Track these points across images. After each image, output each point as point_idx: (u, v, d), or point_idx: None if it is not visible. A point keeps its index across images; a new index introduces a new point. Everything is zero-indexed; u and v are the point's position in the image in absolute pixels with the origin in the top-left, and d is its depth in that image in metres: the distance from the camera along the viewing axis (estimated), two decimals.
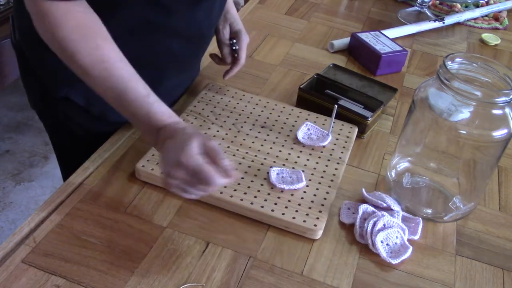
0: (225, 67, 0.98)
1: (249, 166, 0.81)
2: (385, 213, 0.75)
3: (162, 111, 0.69)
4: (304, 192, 0.78)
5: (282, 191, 0.77)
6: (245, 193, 0.76)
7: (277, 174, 0.80)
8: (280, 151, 0.85)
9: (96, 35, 0.67)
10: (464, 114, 0.71)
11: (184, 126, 0.68)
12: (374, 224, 0.73)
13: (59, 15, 0.64)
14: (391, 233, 0.74)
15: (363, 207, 0.76)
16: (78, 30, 0.66)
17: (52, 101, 0.85)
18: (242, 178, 0.79)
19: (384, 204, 0.77)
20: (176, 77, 0.92)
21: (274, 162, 0.83)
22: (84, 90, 0.82)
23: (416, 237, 0.75)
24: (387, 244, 0.73)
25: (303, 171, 0.81)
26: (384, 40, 1.19)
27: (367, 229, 0.73)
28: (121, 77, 0.68)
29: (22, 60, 0.87)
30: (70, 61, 0.67)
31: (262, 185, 0.78)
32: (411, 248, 0.73)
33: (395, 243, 0.73)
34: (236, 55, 0.96)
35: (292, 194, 0.77)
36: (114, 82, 0.67)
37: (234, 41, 0.95)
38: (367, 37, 1.19)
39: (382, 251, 0.72)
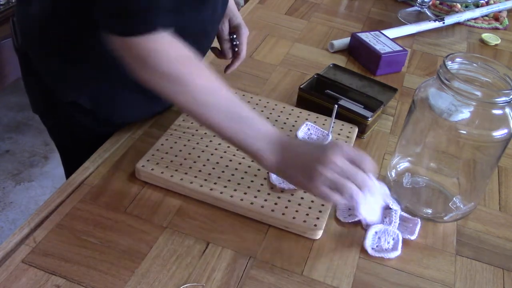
0: (226, 62, 0.98)
1: (249, 166, 0.81)
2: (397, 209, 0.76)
3: (271, 124, 0.69)
4: (304, 192, 0.78)
5: (282, 191, 0.77)
6: (245, 193, 0.76)
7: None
8: None
9: (196, 62, 0.67)
10: (464, 114, 0.71)
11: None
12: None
13: (163, 49, 0.64)
14: (389, 231, 0.74)
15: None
16: (183, 61, 0.66)
17: (57, 104, 0.85)
18: (242, 178, 0.79)
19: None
20: None
21: None
22: (91, 93, 0.82)
23: (413, 237, 0.75)
24: (378, 238, 0.73)
25: None
26: (384, 40, 1.19)
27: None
28: (232, 98, 0.67)
29: (25, 64, 0.87)
30: (178, 92, 0.66)
31: (262, 185, 0.78)
32: (399, 252, 0.72)
33: (388, 241, 0.73)
34: (236, 49, 0.95)
35: (292, 194, 0.77)
36: (226, 107, 0.66)
37: (234, 36, 0.95)
38: (367, 37, 1.19)
39: (369, 239, 0.73)
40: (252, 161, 0.82)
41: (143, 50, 0.63)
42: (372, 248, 0.73)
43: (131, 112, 0.87)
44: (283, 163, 0.67)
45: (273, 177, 0.78)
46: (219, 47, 0.98)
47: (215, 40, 0.96)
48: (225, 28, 0.95)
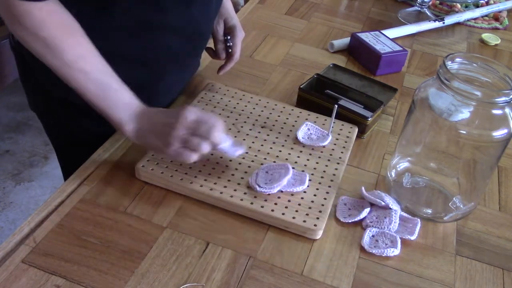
0: (220, 62, 0.98)
1: (249, 166, 0.81)
2: (397, 209, 0.76)
3: (136, 97, 0.74)
4: (304, 192, 0.78)
5: (282, 191, 0.77)
6: (245, 193, 0.76)
7: None
8: (280, 151, 0.85)
9: (76, 32, 0.69)
10: (464, 114, 0.71)
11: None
12: (379, 217, 0.74)
13: (42, 15, 0.66)
14: (386, 234, 0.74)
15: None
16: (61, 28, 0.68)
17: (51, 102, 0.85)
18: (242, 178, 0.79)
19: (383, 203, 0.77)
20: (176, 74, 0.92)
21: (274, 162, 0.83)
22: None
23: (413, 237, 0.75)
24: (376, 240, 0.74)
25: (312, 174, 0.81)
26: (384, 40, 1.19)
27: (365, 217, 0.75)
28: (101, 70, 0.71)
29: (22, 63, 0.87)
30: (53, 58, 0.69)
31: None
32: (398, 251, 0.73)
33: (385, 243, 0.73)
34: (230, 50, 0.95)
35: (292, 194, 0.77)
36: (96, 75, 0.70)
37: (229, 37, 0.95)
38: (367, 37, 1.19)
39: (366, 241, 0.73)
40: (252, 161, 0.82)
41: (19, 10, 0.65)
42: (370, 248, 0.73)
43: None
44: (141, 131, 0.72)
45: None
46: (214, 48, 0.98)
47: (211, 40, 0.97)
48: (220, 28, 0.94)
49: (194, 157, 0.70)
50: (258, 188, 0.75)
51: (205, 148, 0.70)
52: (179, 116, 0.69)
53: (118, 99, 0.72)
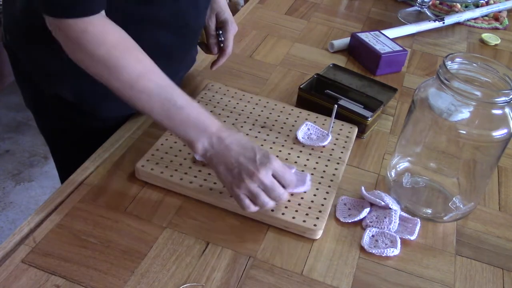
0: (214, 57, 0.98)
1: None
2: (397, 210, 0.77)
3: (208, 112, 0.70)
4: (304, 192, 0.78)
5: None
6: None
7: None
8: (280, 151, 0.85)
9: (133, 47, 0.68)
10: (464, 114, 0.71)
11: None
12: (379, 217, 0.74)
13: (98, 32, 0.64)
14: (386, 234, 0.74)
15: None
16: (118, 45, 0.66)
17: (43, 99, 0.85)
18: None
19: (383, 203, 0.77)
20: (167, 69, 0.91)
21: None
22: (74, 86, 0.81)
23: (413, 237, 0.75)
24: (376, 240, 0.74)
25: (312, 174, 0.81)
26: (384, 40, 1.19)
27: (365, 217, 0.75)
28: (164, 86, 0.68)
29: (14, 60, 0.87)
30: (113, 78, 0.66)
31: None
32: (398, 251, 0.73)
33: (385, 243, 0.73)
34: (222, 45, 0.95)
35: (292, 194, 0.77)
36: (159, 93, 0.67)
37: (221, 31, 0.94)
38: (367, 37, 1.19)
39: (366, 241, 0.73)
40: None
41: (75, 32, 0.64)
42: (370, 248, 0.73)
43: (115, 106, 0.86)
44: (213, 157, 0.69)
45: None
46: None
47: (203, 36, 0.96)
48: (212, 23, 0.93)
49: (253, 209, 0.69)
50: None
51: (270, 207, 0.69)
52: (259, 171, 0.66)
53: (183, 118, 0.68)
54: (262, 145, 0.86)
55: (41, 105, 0.87)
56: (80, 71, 0.80)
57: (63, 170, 0.80)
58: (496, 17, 1.51)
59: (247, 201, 0.68)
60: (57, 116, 0.86)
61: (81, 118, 0.86)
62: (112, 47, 0.65)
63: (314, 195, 0.78)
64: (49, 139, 0.98)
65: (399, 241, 0.74)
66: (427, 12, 1.48)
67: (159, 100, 0.67)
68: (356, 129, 0.92)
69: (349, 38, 1.22)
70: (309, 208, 0.75)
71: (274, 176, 0.68)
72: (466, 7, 1.53)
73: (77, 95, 0.82)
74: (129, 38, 0.68)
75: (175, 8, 0.79)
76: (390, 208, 0.77)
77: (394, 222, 0.75)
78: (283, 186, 0.69)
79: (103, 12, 0.67)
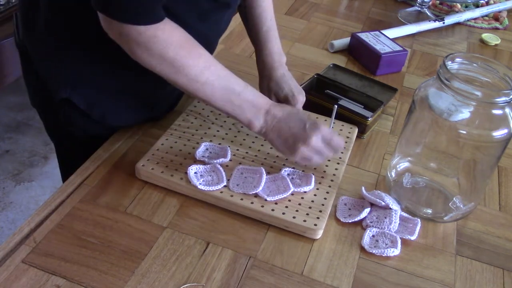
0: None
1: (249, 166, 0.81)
2: (397, 210, 0.77)
3: (259, 92, 0.78)
4: (305, 192, 0.78)
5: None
6: (245, 193, 0.76)
7: (288, 175, 0.80)
8: None
9: (194, 45, 0.72)
10: (464, 114, 0.71)
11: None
12: (379, 217, 0.74)
13: (165, 35, 0.67)
14: (386, 234, 0.74)
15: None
16: (183, 45, 0.70)
17: (53, 102, 0.85)
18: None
19: (383, 203, 0.77)
20: None
21: (274, 162, 0.83)
22: (85, 93, 0.82)
23: (413, 237, 0.75)
24: (376, 240, 0.74)
25: (312, 174, 0.81)
26: (384, 40, 1.19)
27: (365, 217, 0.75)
28: (224, 76, 0.74)
29: (25, 59, 0.87)
30: (181, 75, 0.71)
31: None
32: (398, 251, 0.73)
33: (385, 243, 0.73)
34: None
35: (292, 194, 0.77)
36: (220, 83, 0.73)
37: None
38: (367, 37, 1.19)
39: (366, 241, 0.73)
40: (252, 161, 0.82)
41: (145, 37, 0.66)
42: (370, 248, 0.73)
43: (125, 116, 0.87)
44: (269, 131, 0.77)
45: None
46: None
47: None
48: (274, 100, 0.88)
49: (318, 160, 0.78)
50: (267, 198, 0.75)
51: (320, 162, 0.80)
52: (310, 137, 0.75)
53: (241, 102, 0.75)
54: (262, 145, 0.86)
55: (50, 107, 0.87)
56: (95, 80, 0.80)
57: (67, 172, 0.80)
58: (496, 17, 1.51)
59: (304, 163, 0.79)
60: (66, 120, 0.86)
61: (90, 125, 0.86)
62: (179, 48, 0.69)
63: (315, 195, 0.78)
64: (54, 139, 0.98)
65: (399, 241, 0.74)
66: (427, 12, 1.48)
67: (220, 89, 0.73)
68: (356, 129, 0.92)
69: (349, 38, 1.23)
70: (310, 208, 0.75)
71: (323, 139, 0.77)
72: (466, 7, 1.53)
73: (88, 102, 0.82)
74: (189, 36, 0.71)
75: (200, 29, 0.79)
76: (390, 208, 0.77)
77: (395, 222, 0.75)
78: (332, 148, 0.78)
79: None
